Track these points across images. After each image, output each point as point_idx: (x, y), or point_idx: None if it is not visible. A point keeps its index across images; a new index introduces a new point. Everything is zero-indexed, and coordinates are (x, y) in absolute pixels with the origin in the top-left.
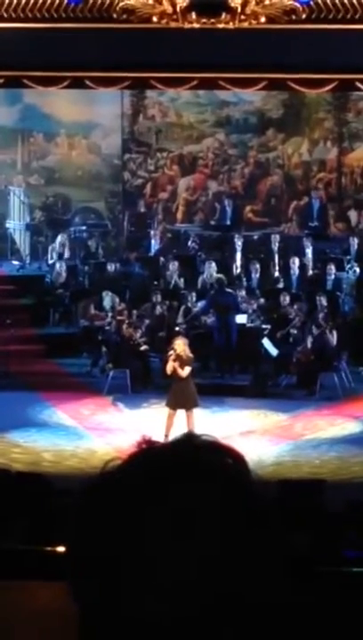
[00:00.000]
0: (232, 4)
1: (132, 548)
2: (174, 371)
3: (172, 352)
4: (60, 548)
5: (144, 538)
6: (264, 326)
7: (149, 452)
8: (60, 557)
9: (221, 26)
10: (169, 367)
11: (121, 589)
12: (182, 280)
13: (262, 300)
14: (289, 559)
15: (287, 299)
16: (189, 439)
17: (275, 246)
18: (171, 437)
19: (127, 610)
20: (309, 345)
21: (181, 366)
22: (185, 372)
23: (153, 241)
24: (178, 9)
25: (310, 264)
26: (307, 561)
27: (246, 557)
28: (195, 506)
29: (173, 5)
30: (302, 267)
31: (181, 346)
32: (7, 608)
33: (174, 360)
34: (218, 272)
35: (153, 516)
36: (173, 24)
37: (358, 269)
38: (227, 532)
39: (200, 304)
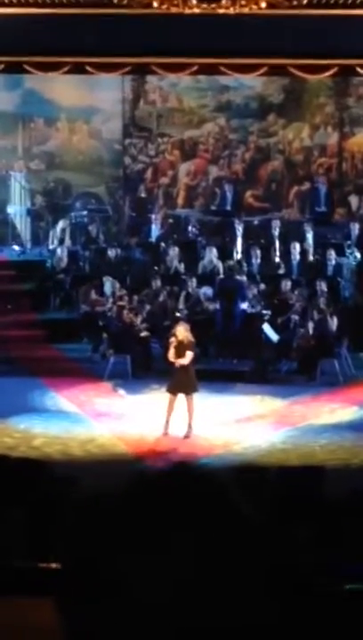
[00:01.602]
0: None
1: (125, 568)
2: (176, 358)
3: (173, 339)
4: (53, 565)
5: (137, 559)
6: (265, 312)
7: (140, 480)
8: (52, 574)
9: (221, 11)
10: (171, 354)
11: (111, 608)
12: (183, 265)
13: (262, 286)
14: (278, 583)
15: (288, 284)
16: (179, 467)
17: (276, 231)
18: (171, 422)
19: (114, 628)
20: (309, 331)
21: (183, 352)
22: (187, 357)
23: (154, 226)
24: None
25: (311, 249)
26: (304, 575)
27: (232, 578)
28: (185, 529)
29: None
30: (303, 252)
31: (182, 332)
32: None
33: (176, 347)
34: (218, 257)
35: (146, 539)
36: (173, 9)
37: (358, 255)
38: (212, 554)
39: (206, 289)
